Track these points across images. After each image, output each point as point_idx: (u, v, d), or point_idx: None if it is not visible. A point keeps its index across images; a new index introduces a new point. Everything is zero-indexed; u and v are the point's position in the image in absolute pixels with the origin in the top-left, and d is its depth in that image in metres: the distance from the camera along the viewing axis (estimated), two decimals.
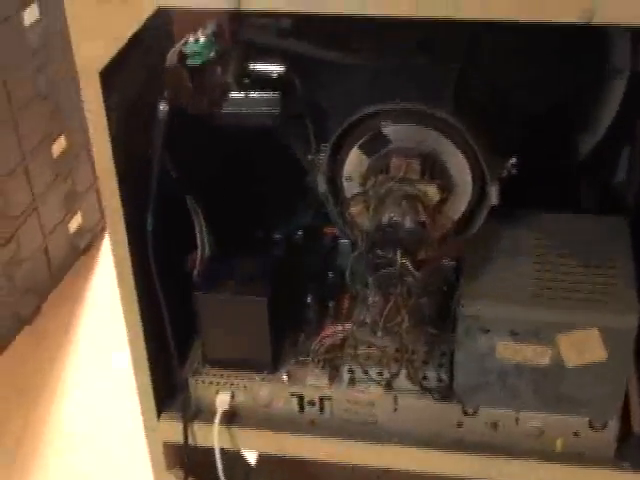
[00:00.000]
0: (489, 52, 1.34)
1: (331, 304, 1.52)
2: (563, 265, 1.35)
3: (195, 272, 1.46)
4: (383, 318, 1.20)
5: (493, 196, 1.26)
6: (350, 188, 1.31)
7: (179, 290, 1.45)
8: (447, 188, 1.26)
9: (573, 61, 1.36)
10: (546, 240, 1.40)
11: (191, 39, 1.13)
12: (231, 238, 1.49)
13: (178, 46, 1.14)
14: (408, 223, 1.19)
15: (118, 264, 1.32)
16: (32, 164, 2.13)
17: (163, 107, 1.17)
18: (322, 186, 1.31)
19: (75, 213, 2.35)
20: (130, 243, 1.31)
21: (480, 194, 1.29)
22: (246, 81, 1.39)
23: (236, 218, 1.60)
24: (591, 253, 1.35)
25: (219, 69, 1.32)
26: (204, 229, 1.45)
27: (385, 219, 1.18)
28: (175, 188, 1.40)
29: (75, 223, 2.36)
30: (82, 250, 2.39)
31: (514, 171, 1.28)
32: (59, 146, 2.24)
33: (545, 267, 1.35)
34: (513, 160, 1.28)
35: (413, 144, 1.25)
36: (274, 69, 1.38)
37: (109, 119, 1.21)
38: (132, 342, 1.43)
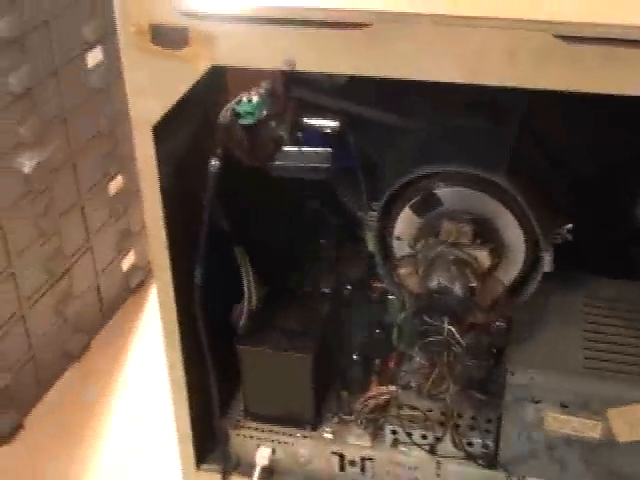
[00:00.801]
0: (545, 115, 1.31)
1: (377, 362, 1.50)
2: (615, 335, 1.31)
3: (240, 324, 1.45)
4: (429, 383, 1.17)
5: (547, 264, 1.23)
6: (400, 248, 1.29)
7: (223, 341, 1.45)
8: (499, 253, 1.23)
9: (627, 125, 1.32)
10: (597, 306, 1.36)
11: (244, 98, 1.13)
12: (278, 291, 1.48)
13: (231, 104, 1.13)
14: (457, 289, 1.16)
15: (164, 315, 1.32)
16: (88, 202, 2.15)
17: (214, 162, 1.17)
18: (371, 244, 1.30)
19: (128, 252, 2.36)
20: (177, 294, 1.30)
21: (533, 260, 1.26)
22: (299, 135, 1.39)
23: (284, 270, 1.59)
24: None
25: (273, 123, 1.32)
26: (252, 281, 1.44)
27: (434, 284, 1.16)
28: (225, 239, 1.40)
29: (128, 262, 2.37)
30: (133, 289, 2.40)
31: (569, 237, 1.25)
32: (116, 185, 2.26)
33: (596, 335, 1.31)
34: (569, 226, 1.25)
35: (466, 207, 1.23)
36: (327, 124, 1.37)
37: (160, 172, 1.21)
38: (174, 391, 1.42)
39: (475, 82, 1.04)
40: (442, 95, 1.20)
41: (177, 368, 1.37)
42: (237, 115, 1.13)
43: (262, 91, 1.13)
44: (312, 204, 1.57)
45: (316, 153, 1.39)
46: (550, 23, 0.99)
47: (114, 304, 2.36)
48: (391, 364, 1.50)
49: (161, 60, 1.12)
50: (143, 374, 2.22)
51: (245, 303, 1.44)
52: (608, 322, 1.31)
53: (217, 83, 1.19)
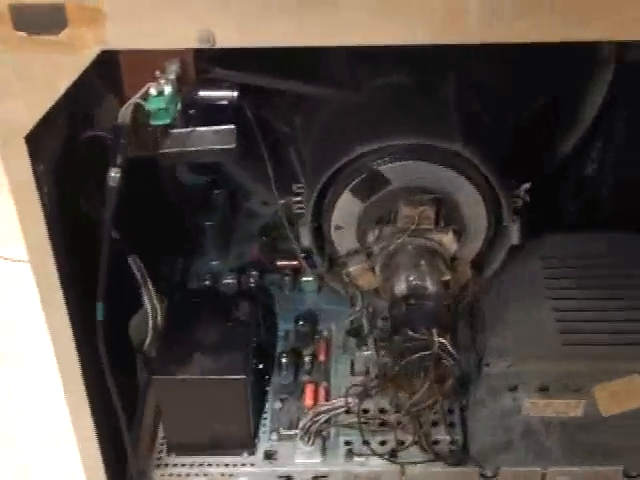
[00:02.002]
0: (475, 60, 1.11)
1: (307, 359, 1.30)
2: (584, 299, 1.17)
3: (147, 346, 1.21)
4: (412, 401, 0.98)
5: (515, 236, 1.06)
6: (341, 238, 1.08)
7: (127, 369, 1.20)
8: (462, 233, 1.05)
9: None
10: (556, 267, 1.21)
11: (152, 90, 0.86)
12: (185, 301, 1.24)
13: (133, 99, 0.87)
14: (431, 286, 0.97)
15: (61, 362, 1.05)
16: None
17: (115, 174, 0.91)
18: (306, 238, 1.08)
19: None
20: (75, 333, 1.04)
21: (495, 230, 1.09)
22: (191, 112, 1.13)
23: (179, 271, 1.36)
24: (613, 278, 1.18)
25: None
26: (153, 295, 1.19)
27: (402, 286, 0.96)
28: (117, 250, 1.14)
29: None
30: None
31: (527, 199, 1.09)
32: None
33: (566, 304, 1.16)
34: (526, 186, 1.08)
35: (418, 183, 1.03)
36: (223, 95, 1.13)
37: (40, 191, 0.93)
38: (80, 435, 1.17)
39: (448, 42, 0.83)
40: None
41: (83, 417, 1.11)
42: (144, 114, 0.86)
43: (173, 77, 0.87)
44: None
45: (215, 132, 1.14)
46: None
47: None
48: (321, 357, 1.30)
49: (30, 50, 0.84)
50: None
51: (149, 322, 1.20)
52: (574, 286, 1.17)
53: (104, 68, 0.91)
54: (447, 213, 1.03)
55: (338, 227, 1.07)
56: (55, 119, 0.91)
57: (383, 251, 1.01)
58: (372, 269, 1.03)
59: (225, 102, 1.15)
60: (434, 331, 0.93)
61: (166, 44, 0.84)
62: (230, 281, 1.39)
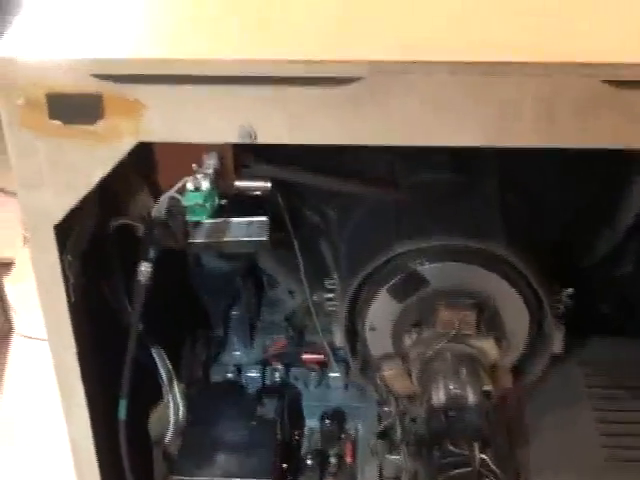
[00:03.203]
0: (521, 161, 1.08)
1: (333, 460, 1.24)
2: (629, 410, 1.11)
3: (167, 442, 1.15)
4: None
5: (557, 344, 1.01)
6: (376, 340, 1.03)
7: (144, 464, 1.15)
8: (503, 339, 1.00)
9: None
10: (599, 375, 1.15)
11: (189, 184, 0.83)
12: (208, 396, 1.19)
13: (169, 193, 0.83)
14: (472, 397, 0.91)
15: (79, 464, 1.00)
16: None
17: (146, 268, 0.87)
18: (340, 339, 1.03)
19: None
20: (95, 432, 0.99)
21: (537, 336, 1.04)
22: (223, 202, 1.10)
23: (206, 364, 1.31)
24: None
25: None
26: (177, 390, 1.14)
27: (441, 396, 0.91)
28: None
29: None
30: None
31: (570, 304, 1.04)
32: None
33: (608, 416, 1.10)
34: (569, 291, 1.03)
35: (456, 285, 0.98)
36: (257, 186, 1.09)
37: (66, 281, 0.89)
38: None
39: (502, 145, 0.80)
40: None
41: None
42: (180, 209, 0.83)
43: (211, 171, 0.84)
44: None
45: (249, 224, 1.11)
46: (597, 66, 0.76)
47: None
48: (348, 458, 1.24)
49: (64, 140, 0.81)
50: None
51: (171, 417, 1.14)
52: (618, 395, 1.11)
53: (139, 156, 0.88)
54: (488, 318, 0.98)
55: (372, 328, 1.02)
56: (87, 209, 0.87)
57: (420, 356, 0.96)
58: (408, 374, 0.98)
59: (258, 193, 1.12)
60: (476, 446, 0.88)
61: (205, 138, 0.81)
62: (254, 375, 1.34)
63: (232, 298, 1.43)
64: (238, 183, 1.09)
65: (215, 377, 1.34)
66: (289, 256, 1.15)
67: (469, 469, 0.88)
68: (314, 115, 0.79)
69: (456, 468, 0.88)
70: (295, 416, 1.24)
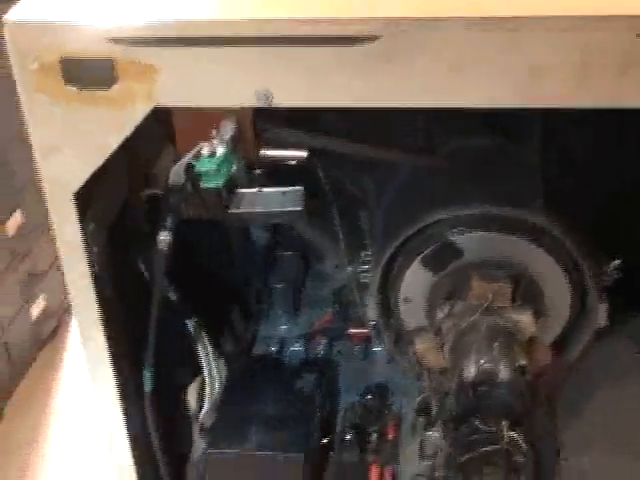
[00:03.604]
0: (570, 125, 1.02)
1: (374, 436, 1.21)
2: None
3: (202, 416, 1.14)
4: None
5: (601, 317, 0.96)
6: (409, 313, 1.00)
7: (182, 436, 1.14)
8: (542, 312, 0.95)
9: None
10: None
11: (204, 150, 0.80)
12: (247, 369, 1.17)
13: (185, 159, 0.81)
14: (504, 373, 0.87)
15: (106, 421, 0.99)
16: None
17: (164, 237, 0.85)
18: (372, 312, 1.00)
19: (37, 297, 2.01)
20: (123, 398, 0.98)
21: (580, 310, 0.99)
22: (257, 172, 1.08)
23: (244, 335, 1.29)
24: None
25: None
26: (212, 362, 1.13)
27: (472, 370, 0.87)
28: (170, 310, 1.08)
29: (37, 309, 2.02)
30: (45, 339, 2.05)
31: (618, 276, 0.98)
32: (14, 223, 1.90)
33: None
34: (616, 263, 0.98)
35: (495, 257, 0.94)
36: (291, 155, 1.07)
37: (88, 250, 0.88)
38: None
39: (534, 106, 0.75)
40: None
41: None
42: (196, 175, 0.81)
43: (227, 137, 0.81)
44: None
45: (283, 193, 1.08)
46: (634, 18, 0.71)
47: (26, 359, 2.01)
48: (389, 435, 1.21)
49: (80, 105, 0.79)
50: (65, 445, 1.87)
51: (207, 390, 1.13)
52: None
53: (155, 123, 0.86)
54: (526, 291, 0.94)
55: (406, 300, 0.99)
56: (108, 176, 0.86)
57: (453, 329, 0.92)
58: (442, 347, 0.94)
59: (294, 162, 1.10)
60: (504, 424, 0.84)
61: (221, 102, 0.79)
62: (297, 348, 1.32)
63: (278, 272, 1.42)
64: (270, 152, 1.07)
65: (257, 350, 1.32)
66: (329, 227, 1.12)
67: (497, 447, 0.84)
68: (331, 76, 0.76)
69: (484, 446, 0.84)
70: (335, 391, 1.21)
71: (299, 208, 1.07)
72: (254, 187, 1.07)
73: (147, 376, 0.93)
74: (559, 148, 1.02)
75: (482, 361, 0.88)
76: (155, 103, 0.79)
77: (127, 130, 0.80)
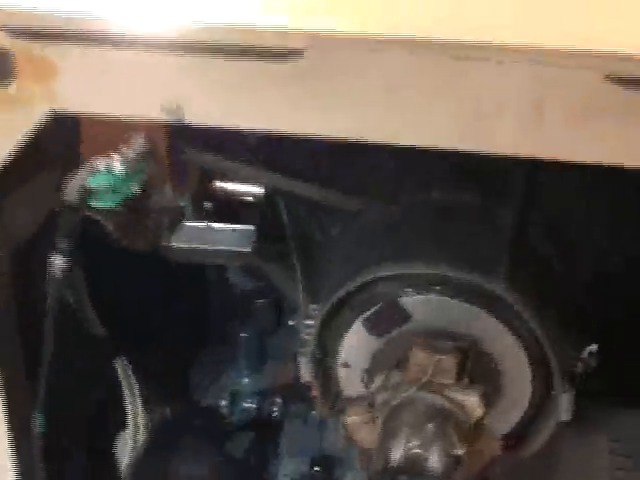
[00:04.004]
0: (555, 190, 0.90)
1: None
2: None
3: (125, 468, 1.03)
4: None
5: (564, 410, 0.83)
6: (348, 380, 0.88)
7: None
8: (494, 396, 0.82)
9: None
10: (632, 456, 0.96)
11: (101, 166, 0.70)
12: (175, 421, 1.05)
13: (80, 176, 0.71)
14: (434, 460, 0.75)
15: None
16: None
17: (57, 261, 0.74)
18: (306, 373, 0.88)
19: None
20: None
21: (540, 399, 0.86)
22: (207, 206, 0.98)
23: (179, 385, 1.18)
24: None
25: (166, 189, 0.91)
26: (139, 407, 1.02)
27: (397, 454, 0.75)
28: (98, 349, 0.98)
29: None
30: None
31: (593, 364, 0.85)
32: None
33: None
34: (593, 348, 0.85)
35: (445, 325, 0.82)
36: (248, 191, 0.97)
37: None
38: None
39: (477, 150, 0.64)
40: (409, 158, 0.81)
41: None
42: (88, 193, 0.70)
43: (133, 154, 0.71)
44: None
45: (233, 231, 0.98)
46: (602, 57, 0.59)
47: None
48: None
49: None
50: None
51: (129, 441, 1.02)
52: None
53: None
54: (476, 368, 0.81)
55: (345, 364, 0.87)
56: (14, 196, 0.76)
57: (387, 403, 0.80)
58: (372, 422, 0.82)
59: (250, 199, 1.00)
60: None
61: (125, 112, 0.69)
62: (249, 405, 1.20)
63: (247, 319, 1.31)
64: (223, 185, 0.98)
65: (206, 402, 1.21)
66: (283, 272, 1.01)
67: None
68: (252, 94, 0.66)
69: None
70: (273, 457, 1.09)
71: (248, 249, 0.97)
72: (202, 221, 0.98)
73: (39, 419, 0.82)
74: (542, 217, 0.90)
75: (410, 444, 0.75)
76: (54, 106, 0.69)
77: (22, 130, 0.70)
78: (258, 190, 0.99)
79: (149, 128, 0.74)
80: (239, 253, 0.98)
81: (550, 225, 0.90)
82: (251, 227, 0.98)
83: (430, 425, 0.77)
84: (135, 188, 0.72)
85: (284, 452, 1.11)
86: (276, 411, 1.21)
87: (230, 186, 0.99)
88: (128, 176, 0.70)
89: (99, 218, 0.75)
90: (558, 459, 0.91)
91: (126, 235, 0.90)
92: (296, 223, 0.98)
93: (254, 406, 1.21)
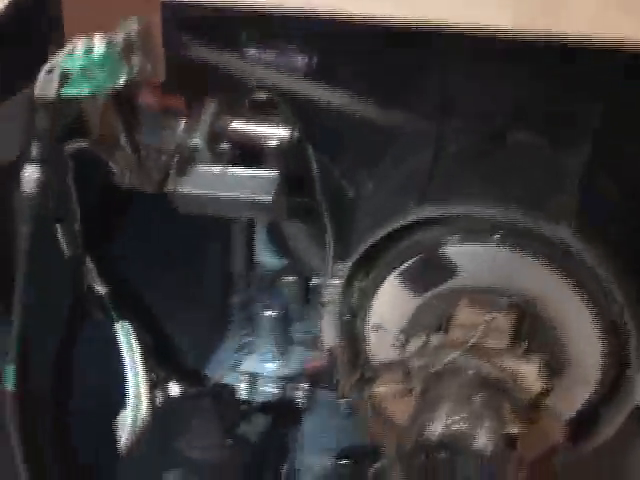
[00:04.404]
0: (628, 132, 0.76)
1: None
2: None
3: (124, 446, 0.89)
4: None
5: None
6: (379, 344, 0.73)
7: None
8: (557, 368, 0.67)
9: None
10: None
11: (79, 46, 0.57)
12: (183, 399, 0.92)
13: (58, 57, 0.57)
14: (482, 437, 0.60)
15: None
16: None
17: (30, 173, 0.61)
18: (329, 337, 0.74)
19: None
20: None
21: (614, 379, 0.71)
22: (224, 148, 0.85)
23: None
24: None
25: (177, 124, 0.79)
26: (141, 379, 0.89)
27: (436, 427, 0.60)
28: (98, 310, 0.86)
29: None
30: None
31: None
32: None
33: None
34: None
35: (499, 282, 0.67)
36: (270, 133, 0.84)
37: None
38: None
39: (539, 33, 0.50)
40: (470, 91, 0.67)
41: None
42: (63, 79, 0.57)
43: (119, 37, 0.58)
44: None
45: (251, 178, 0.85)
46: None
47: None
48: None
49: None
50: None
51: (129, 416, 0.89)
52: None
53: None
54: (534, 331, 0.67)
55: (377, 326, 0.73)
56: None
57: (424, 370, 0.65)
58: (408, 394, 0.67)
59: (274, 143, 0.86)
60: None
61: None
62: (270, 390, 1.07)
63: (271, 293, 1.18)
64: (242, 126, 0.84)
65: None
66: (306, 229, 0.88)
67: None
68: None
69: None
70: (293, 447, 0.95)
71: (268, 198, 0.83)
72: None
73: (8, 371, 0.68)
74: (610, 165, 0.75)
75: (453, 418, 0.61)
76: None
77: None
78: (284, 133, 0.85)
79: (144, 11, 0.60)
80: (257, 203, 0.84)
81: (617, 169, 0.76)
82: (273, 173, 0.84)
83: (477, 397, 0.62)
84: (119, 80, 0.58)
85: (305, 443, 0.97)
86: (300, 398, 1.07)
87: (251, 128, 0.85)
88: (109, 61, 0.57)
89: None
90: (632, 452, 0.75)
91: (129, 174, 0.78)
92: (325, 172, 0.84)
93: (275, 391, 1.07)
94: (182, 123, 0.82)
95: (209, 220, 0.92)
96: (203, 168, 0.84)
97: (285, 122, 0.85)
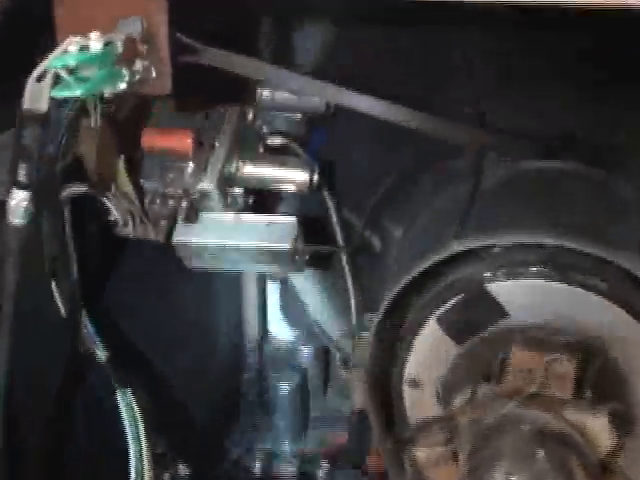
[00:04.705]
0: None
1: None
2: None
3: None
4: None
5: None
6: (417, 400, 0.64)
7: None
8: (628, 421, 0.58)
9: None
10: None
11: (73, 44, 0.49)
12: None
13: (53, 56, 0.49)
14: None
15: None
16: None
17: (18, 199, 0.53)
18: (360, 398, 0.64)
19: None
20: None
21: None
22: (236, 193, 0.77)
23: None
24: None
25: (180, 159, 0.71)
26: (145, 455, 0.78)
27: None
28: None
29: None
30: None
31: None
32: None
33: None
34: None
35: (553, 319, 0.58)
36: (288, 177, 0.76)
37: None
38: None
39: None
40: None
41: None
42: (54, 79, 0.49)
43: (120, 37, 0.50)
44: None
45: (268, 225, 0.77)
46: None
47: None
48: None
49: None
50: None
51: None
52: None
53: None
54: (602, 379, 0.57)
55: (413, 381, 0.63)
56: None
57: (473, 427, 0.55)
58: (454, 458, 0.57)
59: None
60: None
61: None
62: (288, 468, 0.97)
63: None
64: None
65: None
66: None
67: None
68: None
69: None
70: None
71: (287, 245, 0.75)
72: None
73: None
74: None
75: (513, 478, 0.51)
76: None
77: None
78: (302, 177, 0.77)
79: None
80: (274, 251, 0.76)
81: None
82: (291, 219, 0.76)
83: (541, 454, 0.52)
84: (118, 86, 0.50)
85: None
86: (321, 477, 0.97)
87: (267, 171, 0.77)
88: (105, 61, 0.49)
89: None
90: None
91: (132, 222, 0.70)
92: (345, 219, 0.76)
93: (294, 469, 0.97)
94: (190, 165, 0.75)
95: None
96: (213, 215, 0.76)
97: (302, 166, 0.77)
